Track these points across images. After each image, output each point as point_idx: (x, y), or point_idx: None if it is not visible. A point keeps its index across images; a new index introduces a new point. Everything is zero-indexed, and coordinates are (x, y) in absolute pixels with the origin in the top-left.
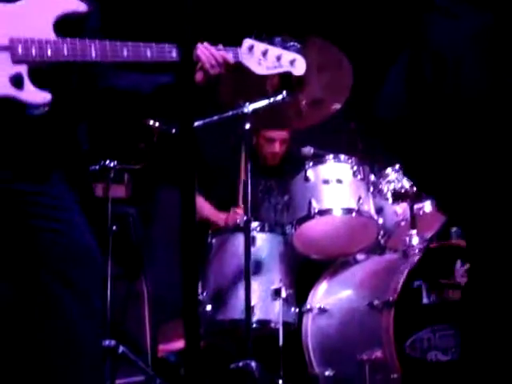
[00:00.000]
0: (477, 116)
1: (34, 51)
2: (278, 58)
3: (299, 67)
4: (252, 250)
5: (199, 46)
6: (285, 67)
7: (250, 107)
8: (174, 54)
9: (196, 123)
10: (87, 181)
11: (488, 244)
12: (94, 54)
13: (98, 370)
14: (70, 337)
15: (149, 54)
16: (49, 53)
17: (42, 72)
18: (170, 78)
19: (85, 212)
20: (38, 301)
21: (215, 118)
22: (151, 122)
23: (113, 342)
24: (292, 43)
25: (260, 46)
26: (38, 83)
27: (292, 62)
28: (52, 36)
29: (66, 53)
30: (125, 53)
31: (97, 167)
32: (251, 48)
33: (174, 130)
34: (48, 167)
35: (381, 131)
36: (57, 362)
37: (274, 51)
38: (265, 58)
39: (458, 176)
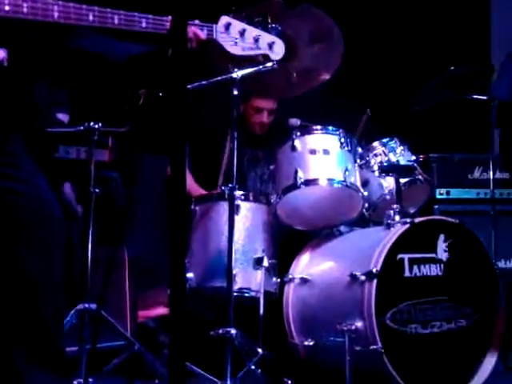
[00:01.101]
0: None
1: None
2: (256, 40)
3: (277, 51)
4: (236, 218)
5: (170, 19)
6: (262, 50)
7: (238, 73)
8: (144, 24)
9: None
10: (45, 141)
11: None
12: (56, 15)
13: (57, 326)
14: (28, 291)
15: (116, 20)
16: (6, 8)
17: None
18: (144, 48)
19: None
20: None
21: (203, 82)
22: (137, 85)
23: (92, 306)
24: (273, 25)
25: (237, 25)
26: None
27: (270, 45)
28: None
29: (25, 10)
30: (90, 17)
31: (81, 128)
32: (228, 26)
33: (160, 94)
34: (3, 125)
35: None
36: (16, 317)
37: (251, 32)
38: (242, 38)
39: None
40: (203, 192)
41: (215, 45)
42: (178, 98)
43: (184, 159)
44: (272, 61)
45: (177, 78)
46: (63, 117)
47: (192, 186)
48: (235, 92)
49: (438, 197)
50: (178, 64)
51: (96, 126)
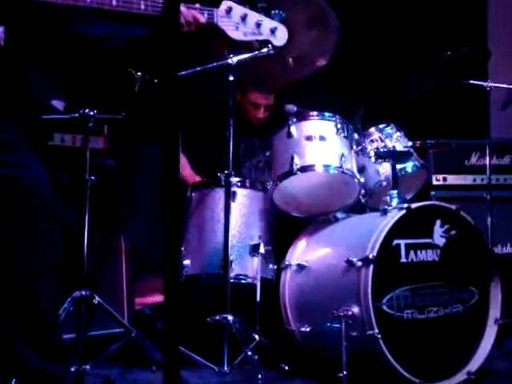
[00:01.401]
0: None
1: None
2: (258, 25)
3: (280, 37)
4: (232, 204)
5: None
6: (264, 35)
7: (234, 59)
8: (143, 5)
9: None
10: (40, 128)
11: None
12: None
13: (52, 312)
14: (22, 278)
15: (114, 2)
16: None
17: None
18: (142, 31)
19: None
20: None
21: (198, 68)
22: (133, 72)
23: (88, 293)
24: (276, 11)
25: (239, 10)
26: None
27: (273, 31)
28: None
29: None
30: None
31: (76, 115)
32: (229, 11)
33: (156, 80)
34: None
35: None
36: (11, 304)
37: (253, 17)
38: (243, 22)
39: None
40: (198, 179)
41: (215, 30)
42: (169, 84)
43: (178, 146)
44: (268, 47)
45: (168, 62)
46: (58, 104)
47: (188, 173)
48: (231, 78)
49: (435, 183)
50: (169, 48)
51: (91, 113)
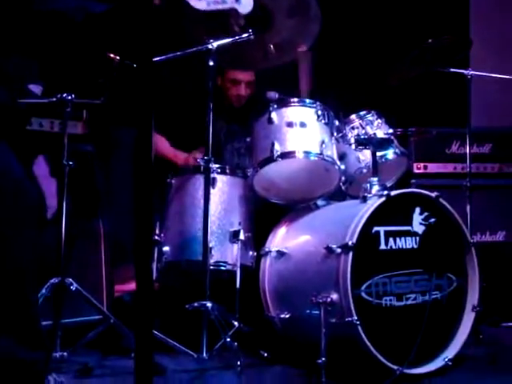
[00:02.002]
0: None
1: None
2: None
3: (245, 4)
4: (211, 191)
5: None
6: (229, 3)
7: (214, 44)
8: None
9: (157, 58)
10: (17, 113)
11: None
12: None
13: (30, 300)
14: None
15: None
16: None
17: None
18: (102, 7)
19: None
20: None
21: (178, 53)
22: (112, 56)
23: (65, 279)
24: None
25: None
26: None
27: None
28: None
29: None
30: None
31: (54, 99)
32: None
33: (135, 65)
34: None
35: None
36: None
37: None
38: None
39: None
40: (180, 156)
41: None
42: (142, 68)
43: (151, 131)
44: (249, 32)
45: (141, 45)
46: (36, 88)
47: (168, 151)
48: (211, 63)
49: (416, 171)
50: (142, 30)
51: (69, 98)
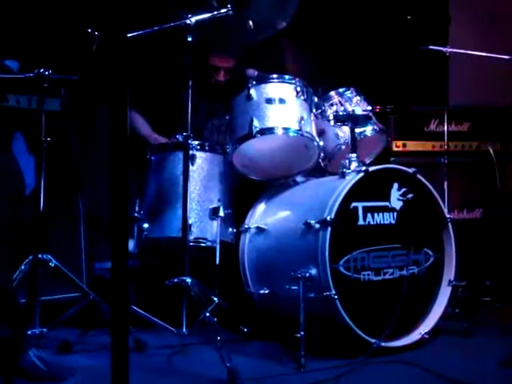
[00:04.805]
0: None
1: None
2: None
3: None
4: (191, 168)
5: None
6: None
7: (192, 19)
8: None
9: (132, 33)
10: None
11: None
12: None
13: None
14: None
15: None
16: None
17: None
18: None
19: None
20: None
21: (156, 28)
22: (90, 30)
23: (45, 256)
24: None
25: None
26: None
27: None
28: None
29: None
30: None
31: (31, 75)
32: None
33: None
34: None
35: None
36: None
37: None
38: None
39: None
40: (161, 141)
41: None
42: (116, 43)
43: (125, 108)
44: (227, 7)
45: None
46: (12, 64)
47: (148, 133)
48: (189, 39)
49: (395, 149)
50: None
51: (46, 73)
